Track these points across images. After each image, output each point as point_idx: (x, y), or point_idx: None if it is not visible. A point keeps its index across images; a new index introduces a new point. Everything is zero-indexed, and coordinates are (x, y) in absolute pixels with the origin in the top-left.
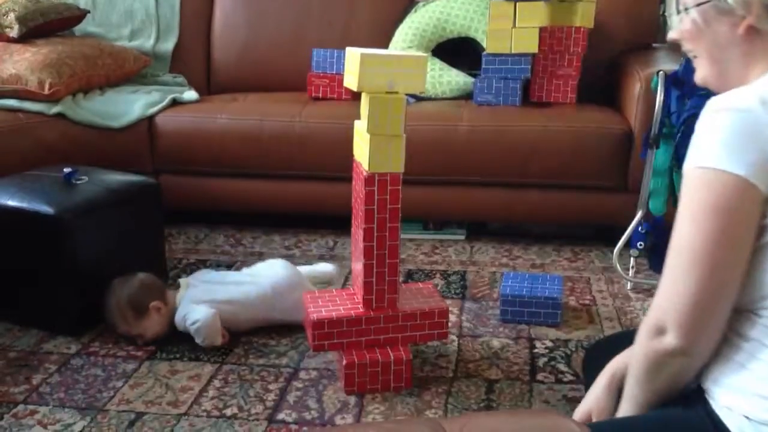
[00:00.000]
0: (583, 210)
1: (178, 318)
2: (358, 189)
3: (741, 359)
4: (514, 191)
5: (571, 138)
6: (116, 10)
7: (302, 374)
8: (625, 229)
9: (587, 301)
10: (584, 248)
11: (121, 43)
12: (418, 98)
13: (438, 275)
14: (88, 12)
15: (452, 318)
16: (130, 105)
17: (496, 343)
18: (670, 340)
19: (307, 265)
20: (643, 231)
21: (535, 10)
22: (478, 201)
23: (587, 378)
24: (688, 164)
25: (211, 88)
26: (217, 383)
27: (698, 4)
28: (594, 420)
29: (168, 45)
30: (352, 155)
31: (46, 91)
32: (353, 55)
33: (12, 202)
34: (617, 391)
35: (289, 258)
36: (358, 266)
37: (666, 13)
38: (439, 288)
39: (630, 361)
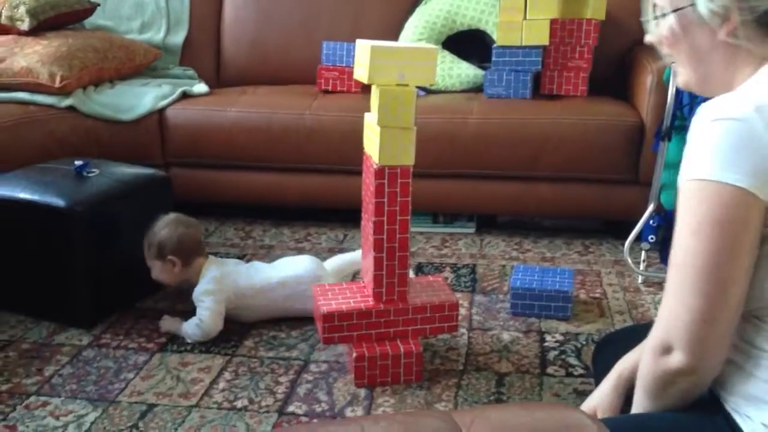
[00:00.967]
0: (594, 203)
1: (196, 291)
2: (368, 182)
3: (749, 367)
4: (525, 184)
5: (582, 131)
6: (126, 3)
7: (312, 367)
8: (636, 223)
9: (598, 295)
10: (595, 241)
11: (132, 36)
12: (429, 91)
13: (448, 268)
14: (99, 5)
15: (462, 311)
16: (141, 98)
17: (506, 336)
18: (677, 359)
19: (334, 257)
20: (654, 224)
21: (545, 2)
22: (489, 194)
23: (597, 371)
24: (684, 177)
25: (221, 81)
26: (227, 375)
27: (675, 10)
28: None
29: (178, 38)
30: (362, 148)
31: (57, 84)
32: (363, 47)
33: (23, 195)
34: (624, 391)
35: (299, 251)
36: (368, 259)
37: (642, 18)
38: (449, 281)
39: (638, 374)
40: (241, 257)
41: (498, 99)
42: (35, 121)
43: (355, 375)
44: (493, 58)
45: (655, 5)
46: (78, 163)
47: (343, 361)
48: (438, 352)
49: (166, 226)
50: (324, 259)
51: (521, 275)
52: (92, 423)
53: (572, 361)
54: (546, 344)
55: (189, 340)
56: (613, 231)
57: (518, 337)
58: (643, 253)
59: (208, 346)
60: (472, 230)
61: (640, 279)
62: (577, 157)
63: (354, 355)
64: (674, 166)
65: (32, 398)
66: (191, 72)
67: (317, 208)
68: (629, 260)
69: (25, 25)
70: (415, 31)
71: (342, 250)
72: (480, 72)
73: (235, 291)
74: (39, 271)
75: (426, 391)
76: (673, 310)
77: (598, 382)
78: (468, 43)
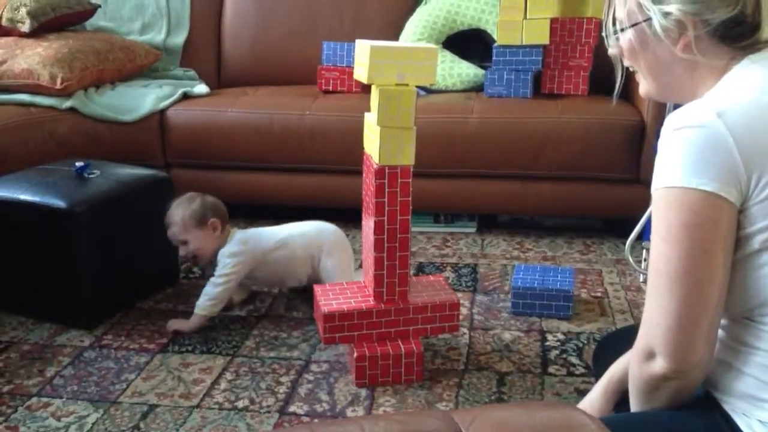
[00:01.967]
0: (595, 202)
1: (222, 252)
2: (368, 182)
3: (739, 365)
4: (526, 183)
5: (583, 130)
6: (127, 4)
7: (313, 367)
8: (638, 221)
9: (599, 294)
10: (596, 240)
11: (132, 37)
12: (429, 90)
13: (449, 268)
14: (99, 6)
15: (463, 311)
16: (142, 99)
17: (507, 335)
18: (660, 364)
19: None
20: None
21: (546, 2)
22: (489, 193)
23: (597, 371)
24: (654, 186)
25: (221, 82)
26: (228, 376)
27: (633, 25)
28: None
29: (179, 39)
30: (362, 148)
31: (58, 86)
32: (363, 47)
33: (24, 196)
34: (614, 395)
35: None
36: (369, 259)
37: (603, 33)
38: (450, 281)
39: (628, 378)
40: None
41: (498, 98)
42: (36, 123)
43: (356, 375)
44: (494, 58)
45: (615, 19)
46: (79, 164)
47: (344, 361)
48: (439, 351)
49: (193, 199)
50: None
51: (522, 274)
52: (93, 424)
53: (573, 360)
54: (547, 343)
55: (200, 309)
56: (615, 230)
57: (519, 337)
58: (644, 251)
59: (209, 346)
60: (473, 230)
61: (641, 278)
62: (578, 156)
63: (355, 355)
64: None
65: (34, 399)
66: (192, 73)
67: (318, 208)
68: (630, 259)
69: (26, 27)
70: (415, 30)
71: None
72: (480, 71)
73: (261, 249)
74: (40, 273)
75: (427, 391)
76: (653, 316)
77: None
78: (468, 43)
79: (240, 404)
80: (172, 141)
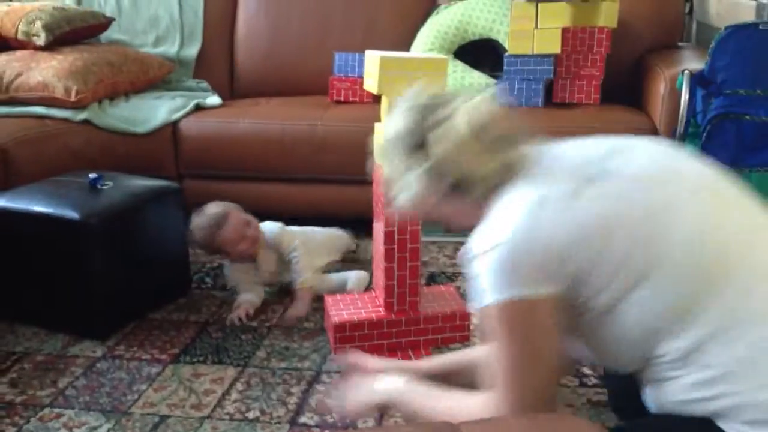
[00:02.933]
0: None
1: (280, 241)
2: (378, 192)
3: (677, 390)
4: None
5: None
6: (141, 17)
7: (324, 377)
8: None
9: None
10: None
11: (146, 50)
12: None
13: (460, 278)
14: (114, 19)
15: (475, 321)
16: (155, 111)
17: None
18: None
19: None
20: None
21: (557, 11)
22: None
23: (608, 381)
24: (476, 306)
25: (234, 93)
26: (239, 386)
27: (398, 193)
28: None
29: (192, 51)
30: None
31: (73, 98)
32: (373, 58)
33: (38, 208)
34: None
35: None
36: (379, 269)
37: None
38: (461, 291)
39: (459, 405)
40: None
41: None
42: (51, 135)
43: None
44: (505, 67)
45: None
46: (92, 175)
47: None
48: None
49: (212, 203)
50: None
51: None
52: None
53: (586, 370)
54: None
55: (304, 282)
56: None
57: None
58: None
59: (220, 357)
60: None
61: None
62: None
63: None
64: None
65: (46, 410)
66: (204, 84)
67: (329, 218)
68: None
69: (41, 41)
70: (426, 41)
71: (354, 260)
72: (492, 81)
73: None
74: (53, 284)
75: None
76: (492, 398)
77: (609, 391)
78: (479, 53)
79: (251, 415)
80: (185, 152)
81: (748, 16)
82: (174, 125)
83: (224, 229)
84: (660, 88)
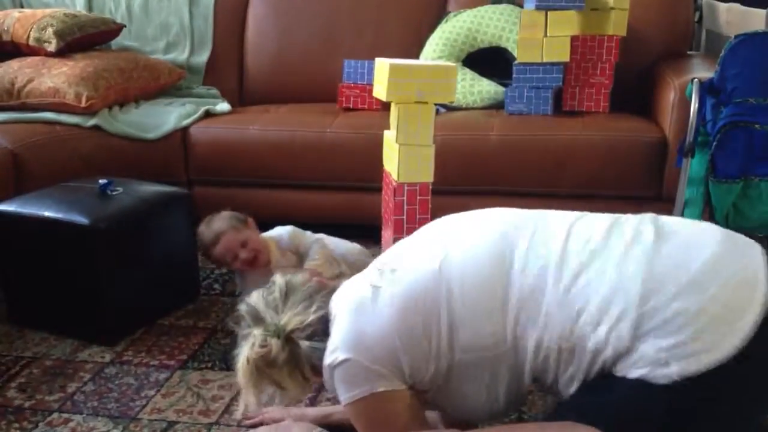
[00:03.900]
0: None
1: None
2: (387, 199)
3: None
4: (547, 201)
5: (605, 147)
6: (152, 24)
7: None
8: None
9: None
10: None
11: (157, 56)
12: (450, 108)
13: None
14: (125, 26)
15: None
16: (165, 117)
17: None
18: None
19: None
20: None
21: (566, 19)
22: None
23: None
24: (344, 403)
25: (243, 100)
26: None
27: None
28: None
29: (202, 57)
30: (382, 165)
31: (83, 104)
32: (382, 65)
33: (48, 213)
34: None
35: None
36: None
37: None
38: None
39: None
40: None
41: (519, 116)
42: (61, 141)
43: None
44: (514, 75)
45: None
46: (102, 181)
47: None
48: None
49: (216, 213)
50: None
51: None
52: None
53: None
54: None
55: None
56: None
57: None
58: None
59: (229, 363)
60: None
61: None
62: (599, 174)
63: None
64: (698, 182)
65: (54, 415)
66: (214, 91)
67: (338, 225)
68: None
69: (52, 47)
70: (436, 48)
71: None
72: (501, 89)
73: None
74: (63, 289)
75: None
76: None
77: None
78: (489, 61)
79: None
80: (195, 158)
81: (758, 25)
82: (184, 131)
83: (216, 249)
84: (669, 96)
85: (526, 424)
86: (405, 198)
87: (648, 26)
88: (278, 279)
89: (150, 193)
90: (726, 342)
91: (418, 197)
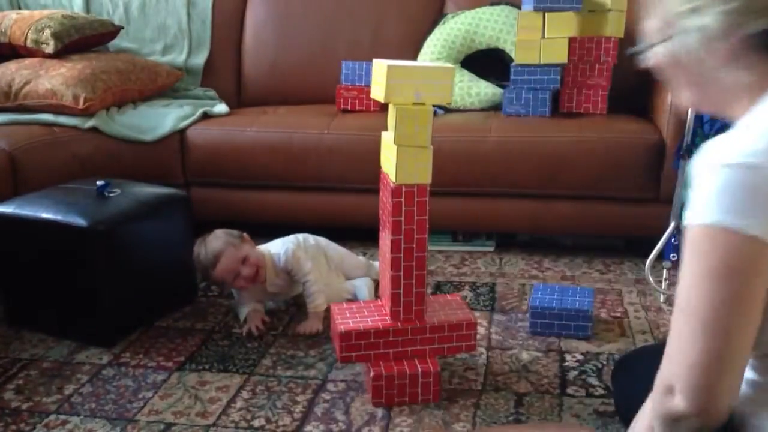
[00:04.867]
0: (615, 221)
1: (288, 257)
2: (385, 200)
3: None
4: (544, 202)
5: (602, 149)
6: (149, 26)
7: (330, 386)
8: (658, 241)
9: (619, 314)
10: (616, 260)
11: (154, 58)
12: (448, 109)
13: (467, 287)
14: (122, 28)
15: (481, 330)
16: (162, 118)
17: (525, 355)
18: (679, 402)
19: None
20: (676, 243)
21: (564, 21)
22: (508, 212)
23: (616, 391)
24: (690, 220)
25: (241, 101)
26: (245, 394)
27: (662, 41)
28: None
29: (199, 59)
30: (380, 167)
31: (81, 106)
32: (380, 66)
33: (46, 215)
34: None
35: None
36: (385, 278)
37: (635, 49)
38: (467, 300)
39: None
40: None
41: (517, 117)
42: (59, 142)
43: (373, 394)
44: (512, 77)
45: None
46: (100, 183)
47: (361, 380)
48: (456, 371)
49: (210, 234)
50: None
51: (541, 294)
52: None
53: (593, 381)
54: (566, 364)
55: (317, 307)
56: (635, 249)
57: (538, 357)
58: (664, 271)
59: (226, 364)
60: (491, 249)
61: (662, 298)
62: (597, 175)
63: (371, 374)
64: None
65: (52, 417)
66: (212, 93)
67: (336, 227)
68: (651, 279)
69: (50, 48)
70: (434, 50)
71: None
72: (498, 90)
73: (306, 240)
74: (60, 290)
75: (444, 411)
76: (676, 355)
77: (617, 402)
78: (486, 62)
79: (256, 423)
80: (192, 160)
81: None
82: (181, 133)
83: (216, 270)
84: (667, 98)
85: (526, 426)
86: (403, 199)
87: None
88: None
89: (147, 194)
90: None
91: (416, 199)
